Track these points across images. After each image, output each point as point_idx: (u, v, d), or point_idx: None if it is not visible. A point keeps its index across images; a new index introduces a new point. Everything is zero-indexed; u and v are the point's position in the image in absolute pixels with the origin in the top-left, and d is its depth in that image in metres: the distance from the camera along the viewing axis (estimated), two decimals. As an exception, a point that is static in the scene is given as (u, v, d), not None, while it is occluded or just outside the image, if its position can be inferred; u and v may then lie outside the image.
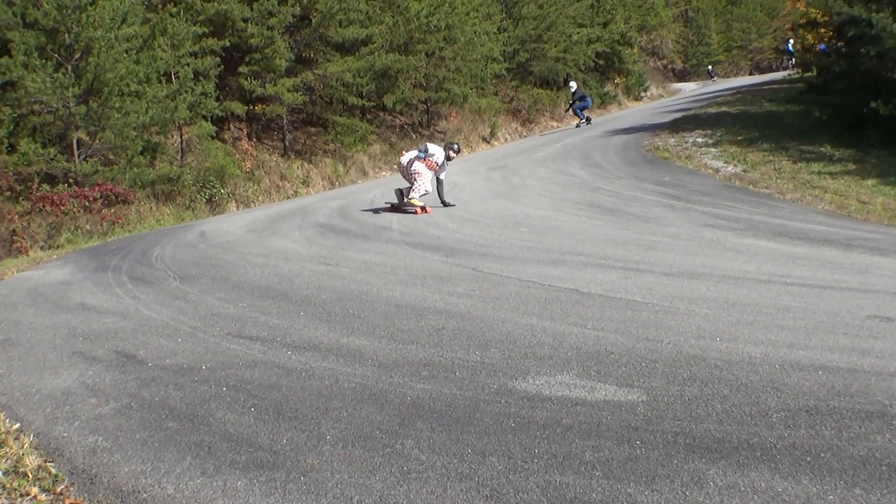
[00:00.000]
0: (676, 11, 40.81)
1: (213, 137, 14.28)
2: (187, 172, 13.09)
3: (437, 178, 9.70)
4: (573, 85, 21.55)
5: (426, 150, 9.42)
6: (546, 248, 6.73)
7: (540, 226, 8.11)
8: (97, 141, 11.99)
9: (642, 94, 32.23)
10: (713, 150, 13.82)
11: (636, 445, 2.80)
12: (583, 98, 21.21)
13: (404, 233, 8.06)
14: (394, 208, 9.89)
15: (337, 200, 11.77)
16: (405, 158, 9.58)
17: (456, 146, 9.87)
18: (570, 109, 21.89)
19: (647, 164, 13.16)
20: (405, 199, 9.67)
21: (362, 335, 4.42)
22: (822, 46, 15.86)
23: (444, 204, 9.74)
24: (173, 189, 13.04)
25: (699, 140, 15.00)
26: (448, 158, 9.64)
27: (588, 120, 21.18)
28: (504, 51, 22.20)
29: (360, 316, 4.82)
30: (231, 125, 16.10)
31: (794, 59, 24.24)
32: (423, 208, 9.48)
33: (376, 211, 10.01)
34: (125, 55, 11.81)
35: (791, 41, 25.44)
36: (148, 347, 4.49)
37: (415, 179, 9.44)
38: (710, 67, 38.72)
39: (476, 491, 2.56)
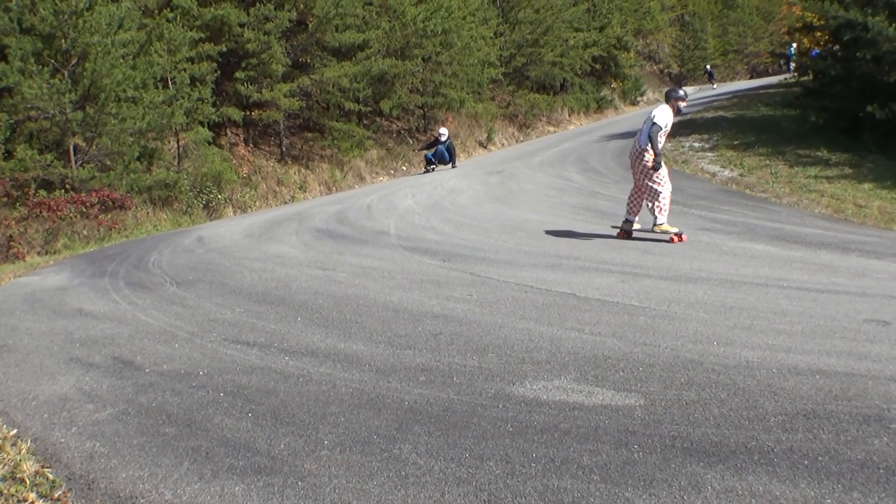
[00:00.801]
0: (672, 16, 40.95)
1: (209, 143, 14.30)
2: (184, 178, 13.09)
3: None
4: (444, 132, 17.05)
5: (661, 126, 6.74)
6: (543, 253, 6.73)
7: (537, 230, 8.11)
8: (94, 147, 11.99)
9: (639, 98, 32.31)
10: (710, 154, 13.87)
11: (634, 449, 2.80)
12: (453, 153, 16.97)
13: (401, 237, 8.06)
14: (624, 235, 7.38)
15: (334, 205, 11.77)
16: (643, 137, 6.88)
17: (681, 92, 7.04)
18: (422, 154, 17.48)
19: (644, 169, 13.17)
20: (634, 223, 7.36)
21: (360, 340, 4.41)
22: (816, 51, 15.94)
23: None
24: (170, 194, 13.04)
25: (696, 144, 15.05)
26: (679, 112, 7.03)
27: (432, 169, 16.80)
28: (500, 55, 22.25)
29: (357, 321, 4.82)
30: (228, 131, 16.12)
31: (791, 63, 24.35)
32: (678, 235, 7.00)
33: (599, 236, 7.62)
34: (122, 61, 11.82)
35: (794, 45, 25.46)
36: (145, 353, 4.48)
37: (652, 195, 6.95)
38: (708, 67, 37.54)
39: (474, 495, 2.56)
